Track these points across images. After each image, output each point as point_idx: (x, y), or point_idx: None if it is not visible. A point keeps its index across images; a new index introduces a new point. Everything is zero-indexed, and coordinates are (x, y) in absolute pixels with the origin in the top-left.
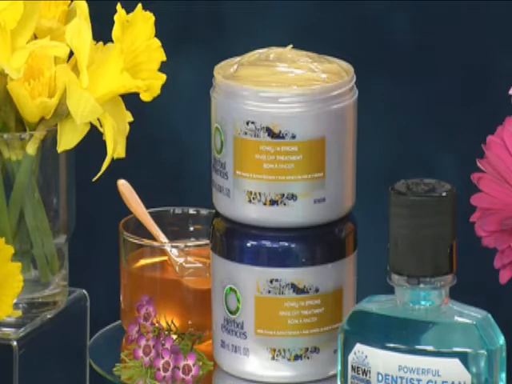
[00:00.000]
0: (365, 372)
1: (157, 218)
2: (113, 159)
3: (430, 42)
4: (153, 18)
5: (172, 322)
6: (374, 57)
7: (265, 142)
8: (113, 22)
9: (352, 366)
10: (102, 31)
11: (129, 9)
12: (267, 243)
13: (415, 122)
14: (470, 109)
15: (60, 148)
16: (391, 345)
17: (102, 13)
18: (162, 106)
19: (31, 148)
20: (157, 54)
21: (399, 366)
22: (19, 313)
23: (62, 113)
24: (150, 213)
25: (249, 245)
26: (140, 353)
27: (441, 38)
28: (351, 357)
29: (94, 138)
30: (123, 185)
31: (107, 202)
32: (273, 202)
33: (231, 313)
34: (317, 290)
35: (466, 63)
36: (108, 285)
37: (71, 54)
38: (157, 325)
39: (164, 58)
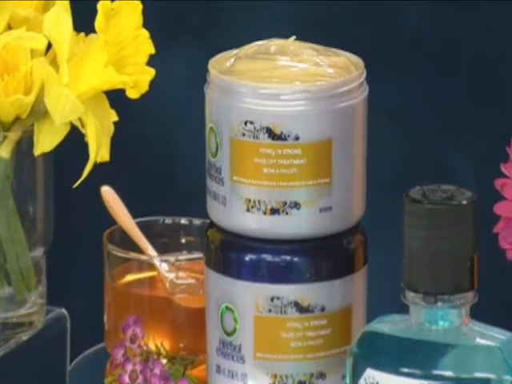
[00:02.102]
0: None
1: (145, 228)
2: (96, 163)
3: (447, 35)
4: (140, 7)
5: (161, 344)
6: (386, 49)
7: (265, 144)
8: (96, 11)
9: None
10: (83, 21)
11: None
12: (267, 257)
13: (432, 122)
14: (492, 107)
15: (37, 151)
16: (405, 370)
17: (83, 0)
18: (151, 104)
19: (5, 151)
20: (145, 46)
21: None
22: None
23: (39, 112)
24: (137, 223)
25: (247, 258)
26: (126, 379)
27: (459, 30)
28: (361, 383)
29: (74, 140)
30: (107, 192)
31: (89, 211)
32: (274, 211)
33: (227, 334)
34: (323, 309)
35: (486, 58)
36: (90, 303)
37: (49, 46)
38: (145, 348)
39: (153, 51)
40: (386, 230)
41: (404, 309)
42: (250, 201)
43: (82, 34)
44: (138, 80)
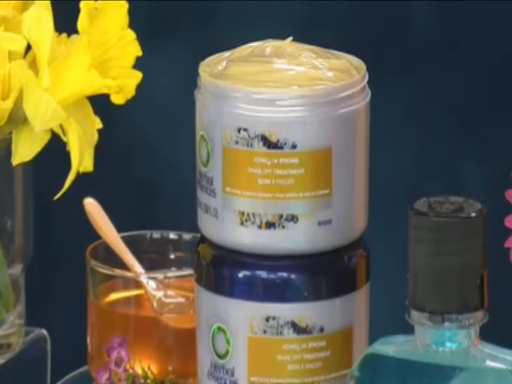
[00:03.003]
0: None
1: (131, 243)
2: (78, 173)
3: (455, 36)
4: (126, 5)
5: (149, 367)
6: (389, 51)
7: (260, 152)
8: (78, 10)
9: None
10: (65, 21)
11: None
12: (262, 274)
13: (439, 129)
14: (503, 113)
15: (15, 160)
16: None
17: None
18: (137, 110)
19: None
20: (131, 47)
21: None
22: None
23: (17, 118)
24: (122, 237)
25: (240, 275)
26: None
27: (468, 30)
28: None
29: (55, 149)
30: (91, 204)
31: (71, 225)
32: (269, 225)
33: (220, 357)
34: (322, 330)
35: (495, 62)
36: (72, 323)
37: (29, 47)
38: (131, 371)
39: (139, 53)
40: (390, 245)
41: (409, 329)
42: (243, 214)
43: (64, 35)
44: (123, 84)
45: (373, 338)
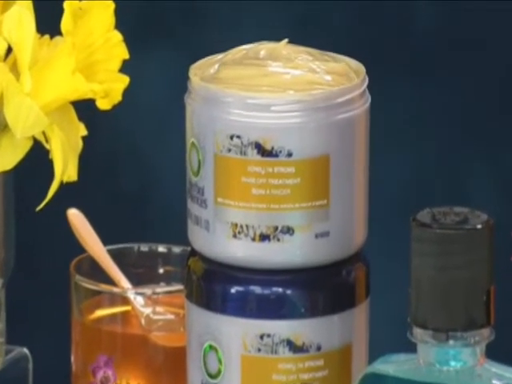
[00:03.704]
0: None
1: (117, 257)
2: (62, 183)
3: (460, 35)
4: (112, 6)
5: None
6: (391, 54)
7: (254, 161)
8: (62, 11)
9: None
10: (48, 22)
11: None
12: (256, 289)
13: (443, 135)
14: (511, 116)
15: None
16: None
17: None
18: (124, 116)
19: None
20: (117, 50)
21: None
22: None
23: None
24: (108, 250)
25: (233, 291)
26: None
27: (475, 29)
28: None
29: (38, 157)
30: (75, 215)
31: (54, 237)
32: (264, 237)
33: (211, 376)
34: (319, 348)
35: (505, 62)
36: (56, 341)
37: (10, 50)
38: None
39: (126, 56)
40: (391, 259)
41: (411, 347)
42: (236, 225)
43: (47, 37)
44: (109, 89)
45: (373, 356)
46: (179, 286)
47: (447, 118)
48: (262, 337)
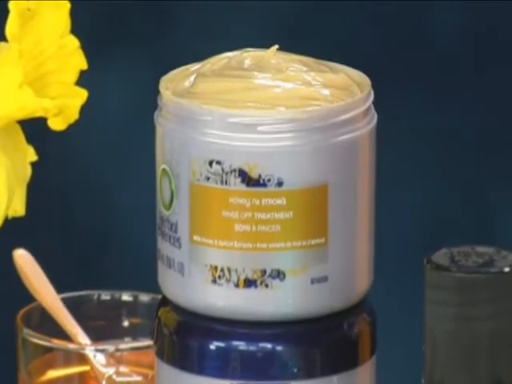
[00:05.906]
0: None
1: (73, 306)
2: (7, 218)
3: (482, 44)
4: (68, 6)
5: None
6: (400, 64)
7: (237, 191)
8: (7, 12)
9: None
10: None
11: None
12: (240, 344)
13: (462, 160)
14: None
15: None
16: None
17: None
18: (81, 138)
19: None
20: (74, 59)
21: None
22: None
23: None
24: (62, 299)
25: (213, 347)
26: None
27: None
28: None
29: None
30: (22, 257)
31: None
32: (249, 283)
33: None
34: None
35: None
36: None
37: None
38: None
39: (85, 66)
40: (401, 309)
41: None
42: (216, 269)
43: None
44: (64, 105)
45: None
46: (147, 342)
47: (469, 141)
48: None
